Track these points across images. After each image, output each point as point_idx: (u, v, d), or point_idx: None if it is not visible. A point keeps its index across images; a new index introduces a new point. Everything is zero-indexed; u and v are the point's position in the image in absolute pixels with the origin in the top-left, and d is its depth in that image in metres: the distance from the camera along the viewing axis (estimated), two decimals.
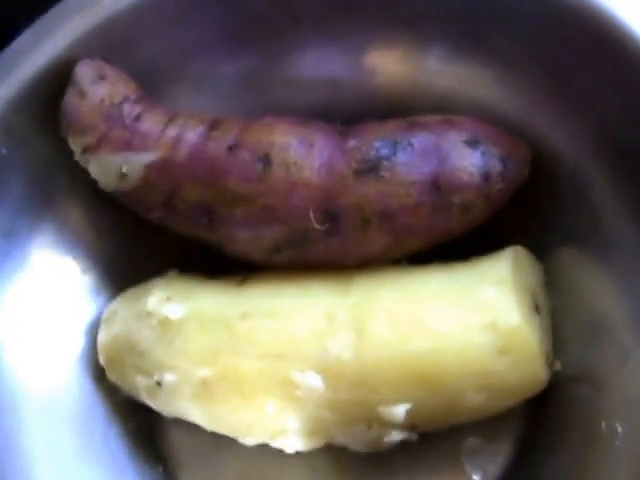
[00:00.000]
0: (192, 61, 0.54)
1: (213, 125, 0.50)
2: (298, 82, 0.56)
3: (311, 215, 0.48)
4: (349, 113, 0.53)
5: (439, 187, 0.48)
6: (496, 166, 0.49)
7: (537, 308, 0.51)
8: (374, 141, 0.48)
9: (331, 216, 0.48)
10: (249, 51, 0.55)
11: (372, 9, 0.53)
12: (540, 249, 0.54)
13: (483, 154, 0.49)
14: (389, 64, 0.55)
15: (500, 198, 0.50)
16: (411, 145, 0.48)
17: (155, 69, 0.53)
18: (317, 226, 0.48)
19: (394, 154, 0.48)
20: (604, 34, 0.48)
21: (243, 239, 0.50)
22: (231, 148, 0.49)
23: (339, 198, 0.48)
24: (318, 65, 0.55)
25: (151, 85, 0.52)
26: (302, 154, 0.48)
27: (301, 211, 0.48)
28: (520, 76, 0.53)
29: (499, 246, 0.52)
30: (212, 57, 0.54)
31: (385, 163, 0.48)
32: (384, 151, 0.48)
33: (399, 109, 0.54)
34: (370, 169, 0.48)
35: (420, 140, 0.48)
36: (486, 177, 0.48)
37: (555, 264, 0.54)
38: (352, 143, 0.49)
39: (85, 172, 0.51)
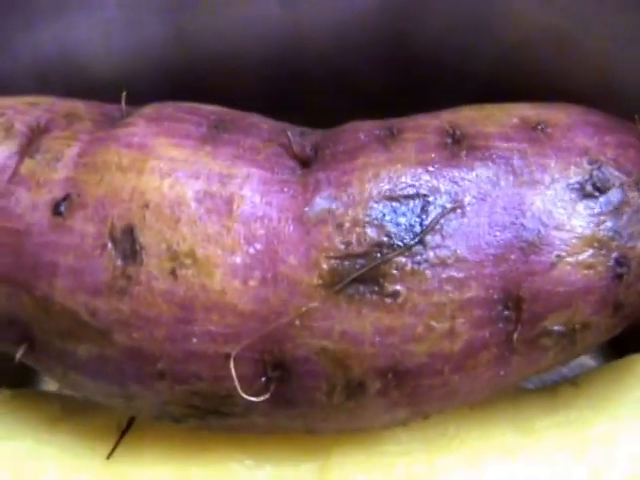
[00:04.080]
0: None
1: (31, 140, 0.23)
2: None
3: (232, 371, 0.21)
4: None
5: (517, 303, 0.21)
6: None
7: None
8: (371, 200, 0.21)
9: (280, 369, 0.22)
10: None
11: None
12: None
13: (617, 215, 0.22)
14: None
15: None
16: (459, 208, 0.21)
17: None
18: (244, 395, 0.22)
19: (419, 236, 0.21)
20: None
21: (99, 394, 0.24)
22: (59, 205, 0.22)
23: (294, 339, 0.21)
24: None
25: None
26: (210, 231, 0.21)
27: (210, 361, 0.22)
28: None
29: None
30: None
31: (402, 261, 0.21)
32: (396, 229, 0.21)
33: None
34: (366, 280, 0.21)
35: (479, 191, 0.21)
36: (620, 269, 0.22)
37: None
38: (320, 204, 0.21)
39: None
